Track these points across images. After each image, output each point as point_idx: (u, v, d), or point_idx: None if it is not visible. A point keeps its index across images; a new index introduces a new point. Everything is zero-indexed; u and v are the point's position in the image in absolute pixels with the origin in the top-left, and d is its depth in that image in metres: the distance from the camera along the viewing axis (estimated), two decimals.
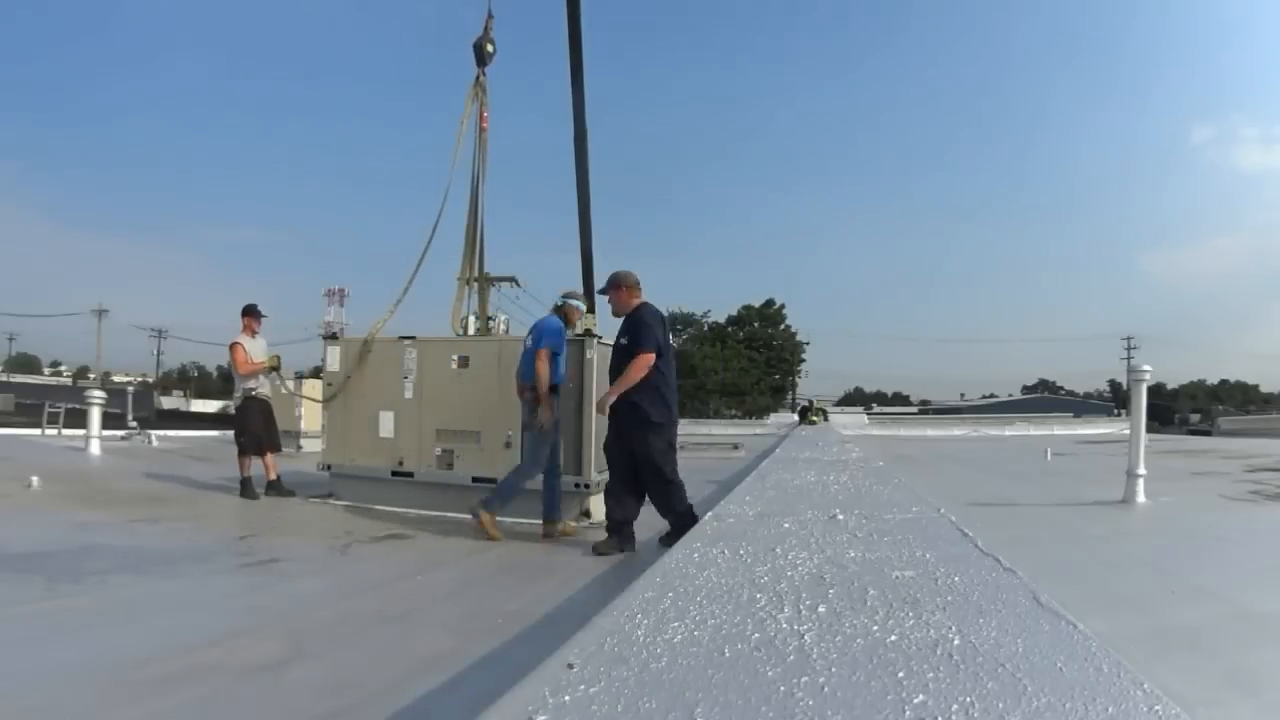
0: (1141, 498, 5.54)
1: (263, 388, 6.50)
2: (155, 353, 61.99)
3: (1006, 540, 3.76)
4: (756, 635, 1.23)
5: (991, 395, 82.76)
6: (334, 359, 6.12)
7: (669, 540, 4.14)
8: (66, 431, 12.44)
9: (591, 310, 6.96)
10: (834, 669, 1.08)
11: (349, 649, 2.61)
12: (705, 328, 44.98)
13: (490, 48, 6.92)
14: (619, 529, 4.43)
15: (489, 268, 7.14)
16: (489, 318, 7.13)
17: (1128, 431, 6.21)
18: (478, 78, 6.89)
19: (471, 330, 6.72)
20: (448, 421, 5.63)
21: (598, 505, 5.47)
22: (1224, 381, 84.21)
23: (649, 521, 5.57)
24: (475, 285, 6.96)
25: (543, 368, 4.69)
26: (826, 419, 21.42)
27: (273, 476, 6.30)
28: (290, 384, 7.41)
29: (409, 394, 5.78)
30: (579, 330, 5.38)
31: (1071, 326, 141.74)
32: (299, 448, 11.00)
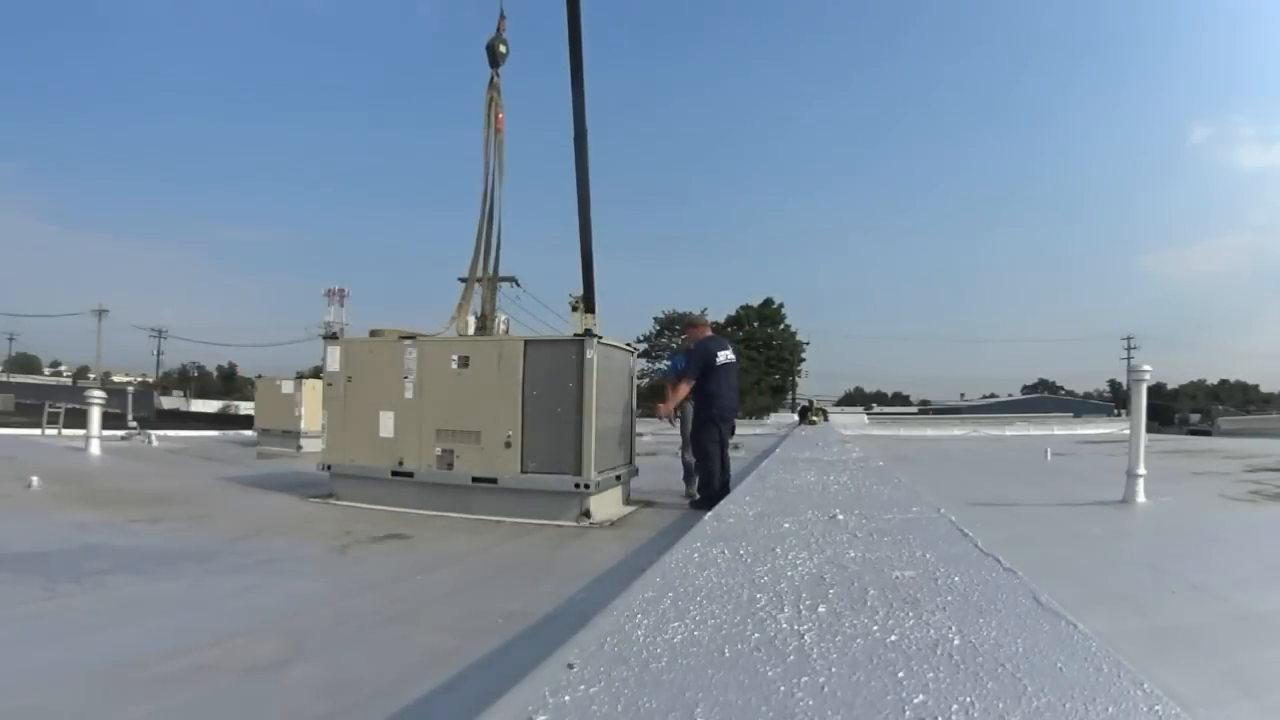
0: (1141, 498, 5.54)
1: None
2: (155, 353, 62.11)
3: (1006, 540, 3.76)
4: (756, 635, 1.23)
5: (991, 395, 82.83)
6: (334, 359, 6.12)
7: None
8: (66, 431, 12.45)
9: (590, 310, 6.96)
10: (834, 669, 1.08)
11: (349, 649, 2.60)
12: None
13: (503, 48, 6.89)
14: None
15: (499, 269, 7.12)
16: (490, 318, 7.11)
17: (1128, 431, 6.21)
18: (492, 79, 6.88)
19: (471, 330, 6.72)
20: (448, 421, 5.63)
21: (598, 505, 5.47)
22: (1224, 381, 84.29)
23: (649, 521, 5.57)
24: (482, 286, 6.95)
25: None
26: (826, 419, 21.40)
27: None
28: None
29: (409, 394, 5.78)
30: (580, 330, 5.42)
31: (1071, 326, 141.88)
32: (299, 448, 11.00)
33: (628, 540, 4.78)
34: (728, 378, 6.32)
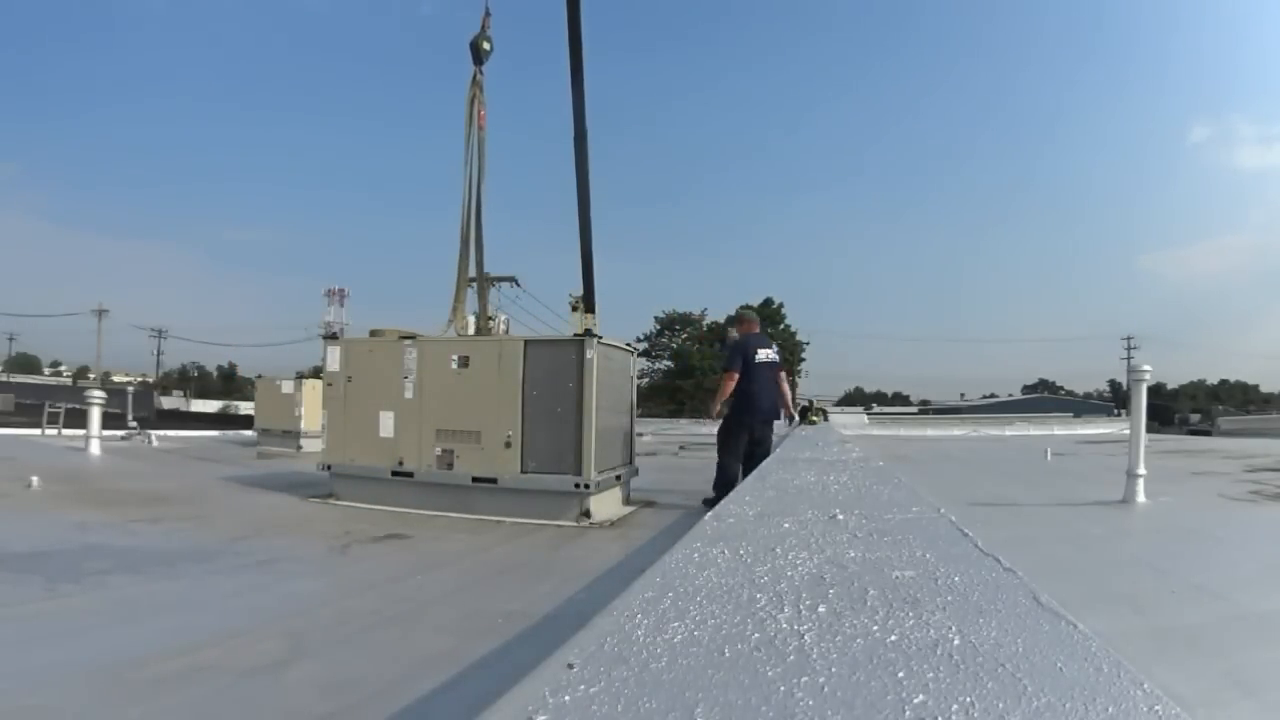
0: (1141, 498, 5.54)
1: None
2: (155, 353, 62.17)
3: (1006, 540, 3.76)
4: (756, 635, 1.23)
5: (991, 395, 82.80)
6: (334, 359, 6.12)
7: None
8: (66, 431, 12.45)
9: (591, 310, 6.96)
10: (834, 669, 1.08)
11: (349, 649, 2.61)
12: (704, 327, 45.01)
13: (487, 45, 6.91)
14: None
15: (487, 268, 7.13)
16: (489, 318, 7.12)
17: (1128, 431, 6.21)
18: (475, 76, 6.89)
19: (471, 330, 6.72)
20: (448, 421, 5.63)
21: (598, 505, 5.47)
22: (1224, 381, 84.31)
23: (649, 521, 5.57)
24: (474, 285, 6.96)
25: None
26: (826, 419, 21.37)
27: None
28: None
29: (409, 394, 5.78)
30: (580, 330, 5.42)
31: (1071, 326, 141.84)
32: (299, 448, 11.00)
33: (628, 540, 4.78)
34: (766, 377, 6.17)
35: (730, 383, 6.06)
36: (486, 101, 6.89)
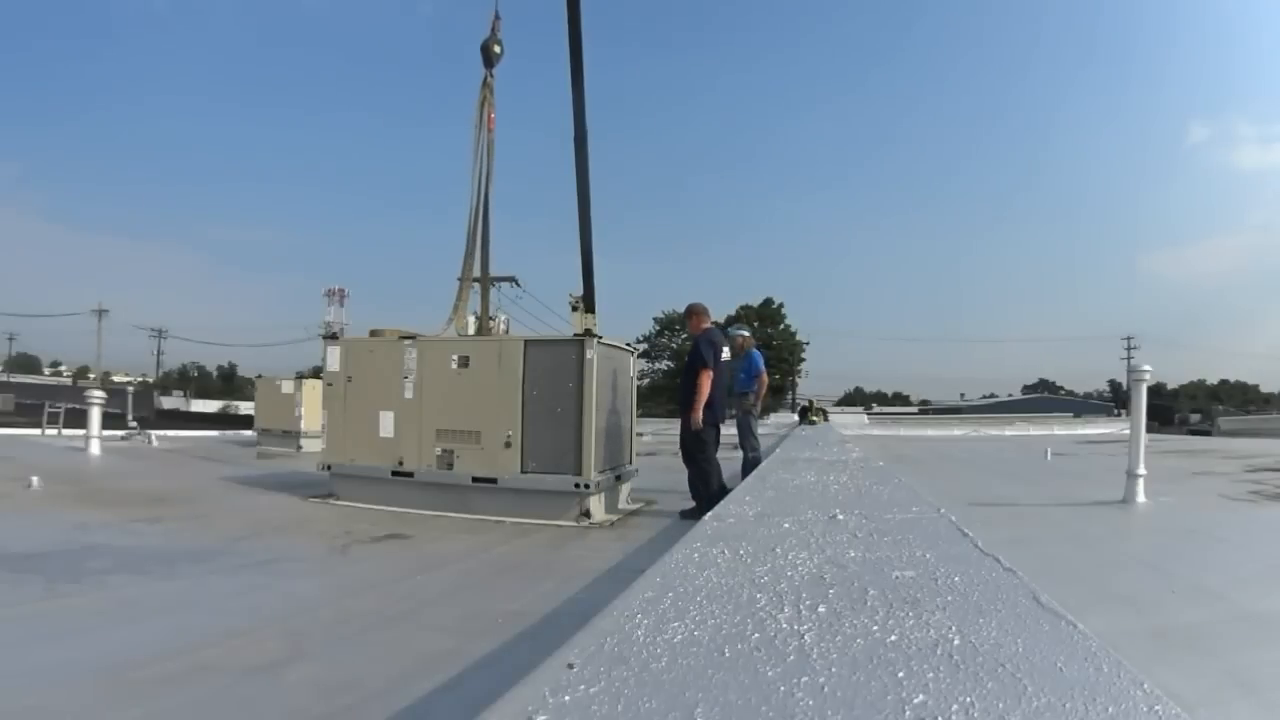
0: (1141, 498, 5.54)
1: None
2: (155, 353, 62.10)
3: (1006, 540, 3.76)
4: (756, 635, 1.23)
5: (991, 395, 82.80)
6: (334, 359, 6.12)
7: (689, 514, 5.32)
8: (66, 431, 12.48)
9: (591, 310, 6.96)
10: (834, 669, 1.08)
11: (349, 649, 2.61)
12: None
13: (498, 49, 6.91)
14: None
15: (490, 268, 7.13)
16: (489, 317, 7.12)
17: (1128, 432, 6.22)
18: (485, 79, 6.89)
19: (471, 330, 6.73)
20: (448, 421, 5.63)
21: (598, 505, 5.47)
22: (1224, 381, 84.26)
23: (649, 521, 5.57)
24: (477, 285, 6.96)
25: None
26: (826, 419, 21.38)
27: None
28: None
29: (409, 394, 5.78)
30: (580, 331, 5.42)
31: (1071, 326, 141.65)
32: (299, 448, 11.00)
33: (627, 540, 4.78)
34: (723, 378, 6.01)
35: (708, 382, 5.60)
36: (495, 104, 6.89)
